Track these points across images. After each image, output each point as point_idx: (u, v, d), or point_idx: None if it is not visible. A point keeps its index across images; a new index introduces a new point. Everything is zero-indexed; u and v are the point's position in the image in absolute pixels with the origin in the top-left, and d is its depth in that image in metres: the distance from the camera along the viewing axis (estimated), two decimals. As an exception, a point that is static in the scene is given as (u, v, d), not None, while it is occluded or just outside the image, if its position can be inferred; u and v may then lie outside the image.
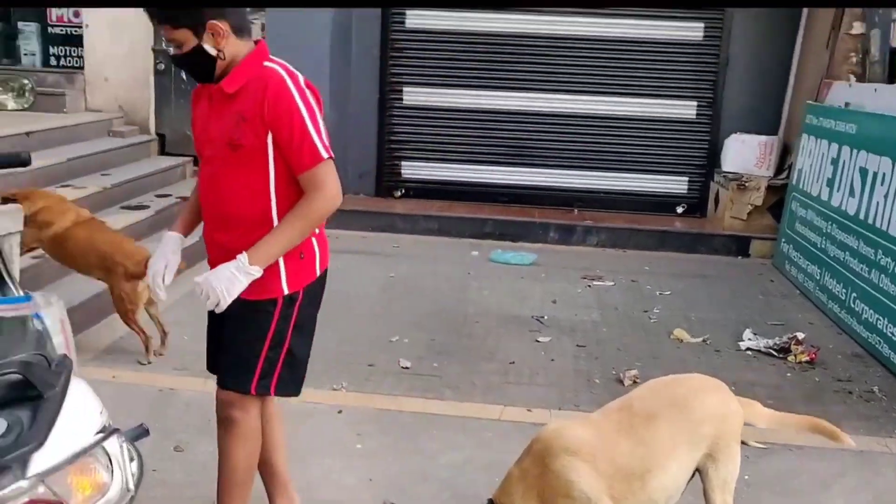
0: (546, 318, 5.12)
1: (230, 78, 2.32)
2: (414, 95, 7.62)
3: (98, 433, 1.72)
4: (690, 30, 7.35)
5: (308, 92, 2.34)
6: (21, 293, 2.42)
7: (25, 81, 6.92)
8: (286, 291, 2.41)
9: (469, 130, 7.63)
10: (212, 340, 2.61)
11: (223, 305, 2.28)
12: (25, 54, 7.68)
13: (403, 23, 7.47)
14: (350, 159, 7.49)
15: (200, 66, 2.33)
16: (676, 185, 7.66)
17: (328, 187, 2.30)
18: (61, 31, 7.66)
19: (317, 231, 2.46)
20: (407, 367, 4.26)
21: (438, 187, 7.72)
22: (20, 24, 7.70)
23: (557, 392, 4.06)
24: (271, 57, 2.38)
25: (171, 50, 2.35)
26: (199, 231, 2.61)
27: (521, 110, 7.54)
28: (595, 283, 5.93)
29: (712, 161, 7.48)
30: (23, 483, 1.49)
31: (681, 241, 7.01)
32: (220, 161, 2.37)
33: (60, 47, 7.74)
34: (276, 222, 2.35)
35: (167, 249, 2.53)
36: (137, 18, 7.12)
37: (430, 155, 7.72)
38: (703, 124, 7.54)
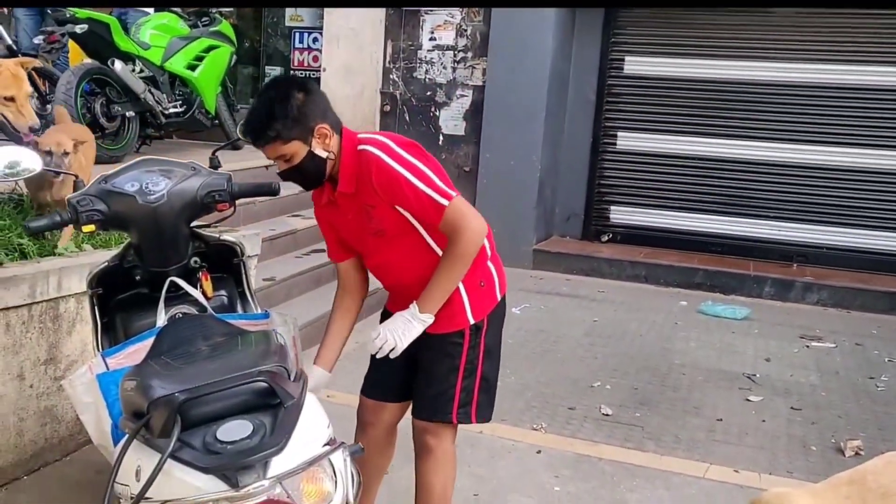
0: (758, 376, 4.86)
1: (344, 180, 2.39)
2: (628, 140, 7.55)
3: (325, 445, 1.86)
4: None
5: (404, 151, 2.34)
6: (260, 311, 2.67)
7: None
8: (472, 321, 2.50)
9: (683, 177, 7.44)
10: (376, 370, 2.69)
11: (398, 350, 2.40)
12: (270, 95, 8.46)
13: (622, 69, 7.46)
14: (559, 201, 7.55)
15: (314, 173, 2.38)
16: (911, 242, 7.04)
17: (465, 226, 2.32)
18: (301, 74, 8.35)
19: (489, 253, 2.54)
20: (608, 414, 4.21)
21: (647, 233, 7.56)
22: (267, 68, 8.51)
23: (768, 455, 3.84)
24: (359, 137, 2.41)
25: (279, 167, 2.36)
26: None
27: (739, 158, 7.25)
28: (814, 343, 5.57)
29: (956, 218, 6.82)
30: (264, 482, 1.64)
31: (916, 305, 6.42)
32: (375, 248, 2.50)
33: (301, 89, 8.44)
34: None
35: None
36: (369, 63, 7.67)
37: (641, 200, 7.59)
38: (946, 177, 6.89)
